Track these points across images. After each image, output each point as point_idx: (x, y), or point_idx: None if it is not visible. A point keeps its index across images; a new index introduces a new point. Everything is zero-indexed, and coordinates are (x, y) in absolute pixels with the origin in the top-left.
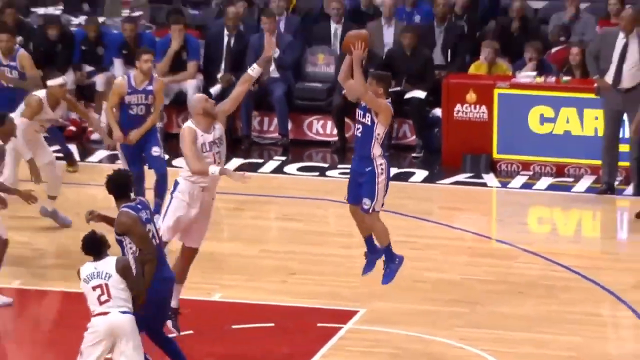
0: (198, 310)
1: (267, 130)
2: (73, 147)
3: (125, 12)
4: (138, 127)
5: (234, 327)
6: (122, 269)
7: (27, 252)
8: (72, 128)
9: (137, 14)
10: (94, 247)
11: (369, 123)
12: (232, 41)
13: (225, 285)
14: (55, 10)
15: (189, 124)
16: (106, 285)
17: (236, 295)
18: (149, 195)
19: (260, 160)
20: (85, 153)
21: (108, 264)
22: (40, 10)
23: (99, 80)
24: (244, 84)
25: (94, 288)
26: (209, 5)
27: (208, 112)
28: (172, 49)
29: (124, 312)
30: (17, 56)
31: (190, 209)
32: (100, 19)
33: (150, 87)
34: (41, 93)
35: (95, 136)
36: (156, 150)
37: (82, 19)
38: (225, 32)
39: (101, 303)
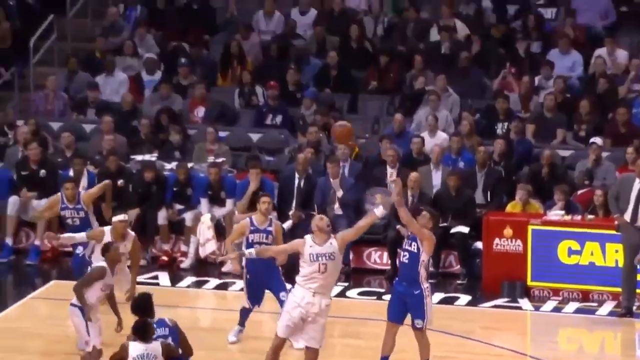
0: None
1: None
2: (164, 275)
3: (210, 159)
4: (260, 264)
5: None
6: (167, 353)
7: None
8: (164, 258)
9: (220, 160)
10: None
11: (415, 250)
12: (302, 183)
13: None
14: (151, 157)
15: (308, 235)
16: None
17: None
18: None
19: None
20: (175, 279)
21: (156, 348)
22: (139, 157)
23: (188, 217)
24: (367, 219)
25: None
26: (282, 153)
27: (320, 229)
28: (251, 189)
29: None
30: (81, 198)
31: (302, 310)
32: (189, 164)
33: (270, 228)
34: (106, 228)
35: (184, 264)
36: (283, 295)
37: (173, 165)
38: (296, 175)
39: None
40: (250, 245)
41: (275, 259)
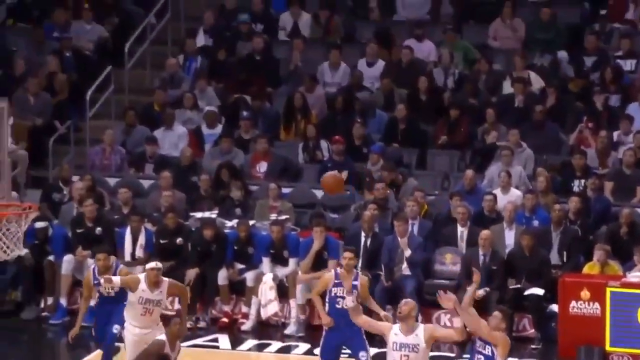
0: None
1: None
2: (224, 337)
3: (273, 216)
4: (342, 320)
5: None
6: None
7: None
8: (225, 319)
9: (283, 217)
10: None
11: (490, 354)
12: (369, 242)
13: None
14: (211, 214)
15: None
16: None
17: None
18: None
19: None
20: (236, 342)
21: None
22: (198, 214)
23: (249, 276)
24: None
25: None
26: (347, 210)
27: (403, 315)
28: (314, 248)
29: None
30: (118, 273)
31: None
32: (251, 222)
33: (355, 282)
34: (141, 276)
35: (246, 326)
36: (363, 355)
37: (234, 222)
38: (362, 233)
39: None
40: (333, 299)
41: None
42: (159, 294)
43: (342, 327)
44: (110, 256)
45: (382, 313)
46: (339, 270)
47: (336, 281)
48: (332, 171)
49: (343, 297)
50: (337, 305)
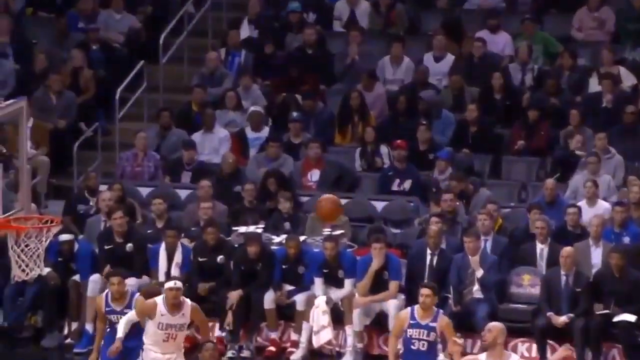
0: None
1: (470, 352)
2: None
3: (327, 231)
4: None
5: None
6: None
7: None
8: (272, 348)
9: (338, 232)
10: None
11: None
12: (435, 260)
13: None
14: (256, 229)
15: None
16: None
17: None
18: None
19: None
20: None
21: None
22: (242, 229)
23: (300, 299)
24: None
25: None
26: (410, 224)
27: None
28: (373, 267)
29: None
30: (133, 302)
31: None
32: (301, 238)
33: (434, 324)
34: (158, 299)
35: (295, 356)
36: None
37: (283, 238)
38: (428, 250)
39: None
40: (408, 341)
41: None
42: (181, 317)
43: None
44: (126, 280)
45: (453, 338)
46: (415, 308)
47: (412, 322)
48: (328, 195)
49: (419, 340)
50: (413, 347)
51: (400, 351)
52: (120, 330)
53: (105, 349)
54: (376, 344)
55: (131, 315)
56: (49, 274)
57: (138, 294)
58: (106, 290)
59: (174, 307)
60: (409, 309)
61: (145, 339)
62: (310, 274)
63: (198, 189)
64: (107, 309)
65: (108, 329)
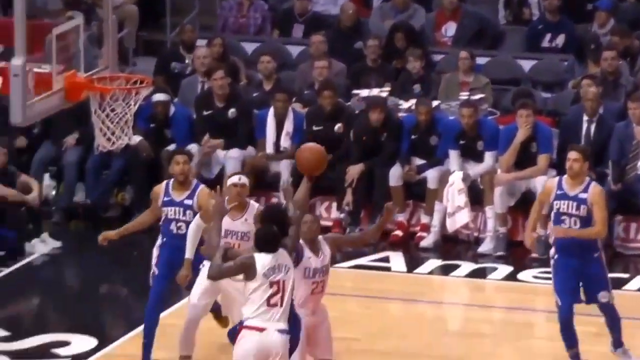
0: None
1: (634, 238)
2: (398, 256)
3: (464, 95)
4: (573, 246)
5: None
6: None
7: None
8: (398, 232)
9: (477, 96)
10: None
11: None
12: (592, 129)
13: None
14: (380, 92)
15: None
16: (283, 282)
17: None
18: None
19: (625, 275)
20: (412, 263)
21: (285, 257)
22: (364, 92)
23: (432, 176)
24: None
25: (270, 285)
26: (563, 87)
27: None
28: (519, 139)
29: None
30: (196, 194)
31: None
32: (434, 103)
33: (584, 195)
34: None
35: (426, 242)
36: (604, 297)
37: (412, 103)
38: (584, 117)
39: (270, 305)
40: (557, 216)
41: (598, 241)
42: (243, 223)
43: (574, 256)
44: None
45: None
46: (564, 177)
47: (558, 192)
48: (312, 143)
49: (570, 215)
50: (564, 225)
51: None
52: (189, 249)
53: (165, 252)
54: (521, 228)
55: (197, 222)
56: (139, 143)
57: (203, 185)
58: (165, 182)
59: (237, 209)
60: (557, 177)
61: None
62: (444, 145)
63: (311, 44)
64: (165, 199)
65: (164, 235)
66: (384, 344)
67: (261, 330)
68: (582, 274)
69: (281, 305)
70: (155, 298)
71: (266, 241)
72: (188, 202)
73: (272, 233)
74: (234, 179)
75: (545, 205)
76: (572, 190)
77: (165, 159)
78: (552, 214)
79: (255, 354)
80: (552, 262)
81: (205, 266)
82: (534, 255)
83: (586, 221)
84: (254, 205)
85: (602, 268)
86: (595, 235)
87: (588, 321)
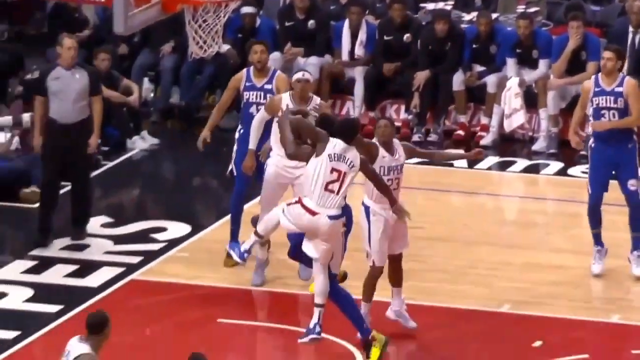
0: (594, 332)
1: None
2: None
3: (521, 8)
4: (610, 134)
5: (633, 352)
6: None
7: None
8: (460, 132)
9: (533, 10)
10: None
11: None
12: (637, 39)
13: (625, 307)
14: (445, 5)
15: None
16: (344, 174)
17: (638, 317)
18: None
19: None
20: (474, 160)
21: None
22: (430, 6)
23: (491, 81)
24: None
25: (332, 170)
26: (611, 1)
27: None
28: (570, 48)
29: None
30: (275, 76)
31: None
32: (494, 15)
33: (620, 89)
34: (284, 95)
35: (485, 141)
36: (632, 184)
37: (473, 15)
38: (630, 29)
39: (327, 189)
40: (596, 111)
41: (633, 133)
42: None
43: (611, 143)
44: (309, 59)
45: None
46: (599, 75)
47: (596, 89)
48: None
49: (609, 109)
50: (604, 119)
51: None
52: (253, 139)
53: (242, 146)
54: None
55: (261, 114)
56: (227, 51)
57: (279, 71)
58: (246, 69)
59: (302, 102)
60: (592, 77)
61: (273, 141)
62: (502, 53)
63: None
64: (247, 84)
65: (243, 120)
66: (446, 232)
67: (313, 214)
68: (615, 163)
69: (337, 194)
70: (238, 192)
71: (346, 129)
72: (268, 86)
73: (354, 125)
74: (298, 75)
75: (587, 105)
76: (608, 86)
77: (247, 49)
78: (592, 110)
79: (304, 229)
80: (589, 152)
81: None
82: (582, 152)
83: (623, 113)
84: (317, 100)
85: (635, 158)
86: (630, 124)
87: (619, 210)
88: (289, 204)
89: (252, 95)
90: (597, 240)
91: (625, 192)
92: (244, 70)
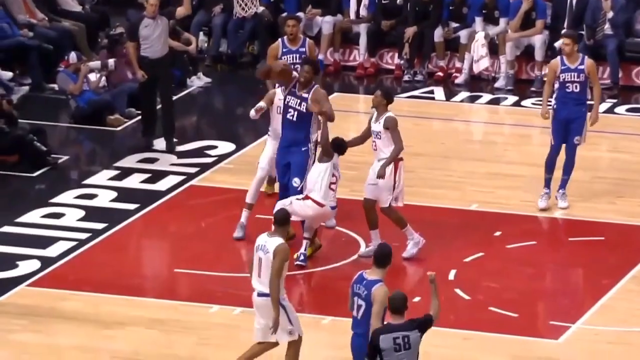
0: (540, 225)
1: (601, 77)
2: (439, 90)
3: None
4: (571, 101)
5: (570, 239)
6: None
7: None
8: (440, 73)
9: None
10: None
11: None
12: (574, 1)
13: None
14: None
15: None
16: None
17: (572, 213)
18: None
19: None
20: (450, 94)
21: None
22: None
23: (463, 35)
24: None
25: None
26: None
27: None
28: (523, 9)
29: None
30: (307, 43)
31: None
32: None
33: (582, 67)
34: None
35: (459, 80)
36: (577, 140)
37: None
38: None
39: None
40: (563, 85)
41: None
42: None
43: (569, 108)
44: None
45: None
46: (563, 56)
47: (562, 67)
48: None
49: (572, 82)
50: (567, 90)
51: (554, 95)
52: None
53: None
54: (524, 70)
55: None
56: (263, 12)
57: (309, 40)
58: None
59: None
60: (557, 57)
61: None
62: (472, 14)
63: None
64: (284, 50)
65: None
66: (428, 148)
67: (321, 206)
68: (571, 121)
69: (335, 190)
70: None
71: (337, 147)
72: (302, 49)
73: (343, 146)
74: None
75: (553, 80)
76: (572, 64)
77: (281, 22)
78: (558, 83)
79: (312, 221)
80: (551, 111)
81: (271, 136)
82: (532, 88)
83: (583, 85)
84: (307, 40)
85: (585, 120)
86: (599, 97)
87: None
88: (297, 199)
89: (289, 57)
90: (547, 184)
91: (567, 146)
92: (278, 40)
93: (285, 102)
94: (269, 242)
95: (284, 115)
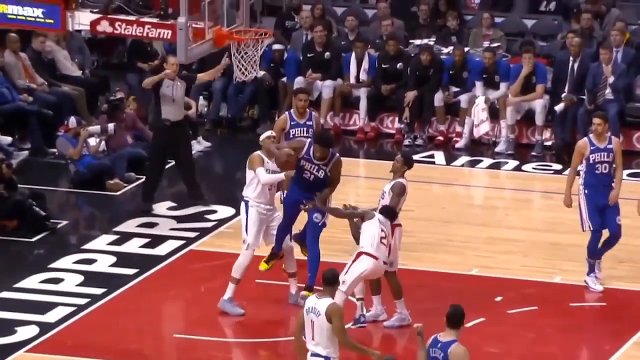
0: (541, 290)
1: None
2: (440, 154)
3: (486, 43)
4: (600, 186)
5: (571, 304)
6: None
7: None
8: (440, 138)
9: (495, 45)
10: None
11: None
12: (575, 66)
13: (564, 270)
14: (429, 41)
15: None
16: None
17: (574, 278)
18: None
19: None
20: (450, 158)
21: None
22: (417, 42)
23: (463, 99)
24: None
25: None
26: (555, 38)
27: None
28: (523, 73)
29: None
30: (313, 116)
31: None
32: (466, 49)
33: (610, 146)
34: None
35: (459, 144)
36: (620, 220)
37: (450, 48)
38: (570, 59)
39: (382, 243)
40: (591, 167)
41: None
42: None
43: (603, 191)
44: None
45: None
46: (591, 135)
47: (592, 147)
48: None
49: (601, 162)
50: (597, 171)
51: (582, 178)
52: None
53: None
54: (525, 135)
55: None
56: (263, 76)
57: (316, 113)
58: (289, 111)
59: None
60: (584, 139)
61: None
62: (472, 78)
63: (379, 9)
64: (292, 122)
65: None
66: (429, 213)
67: (376, 258)
68: (607, 205)
69: (387, 246)
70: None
71: (389, 213)
72: (309, 122)
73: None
74: (267, 134)
75: (578, 164)
76: (601, 144)
77: (290, 93)
78: (586, 164)
79: (369, 273)
80: (580, 198)
81: (253, 207)
82: (533, 153)
83: (611, 166)
84: (314, 114)
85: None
86: (621, 177)
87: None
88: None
89: (297, 131)
90: (597, 267)
91: (612, 227)
92: (285, 113)
93: (301, 165)
94: (319, 304)
95: (300, 174)
